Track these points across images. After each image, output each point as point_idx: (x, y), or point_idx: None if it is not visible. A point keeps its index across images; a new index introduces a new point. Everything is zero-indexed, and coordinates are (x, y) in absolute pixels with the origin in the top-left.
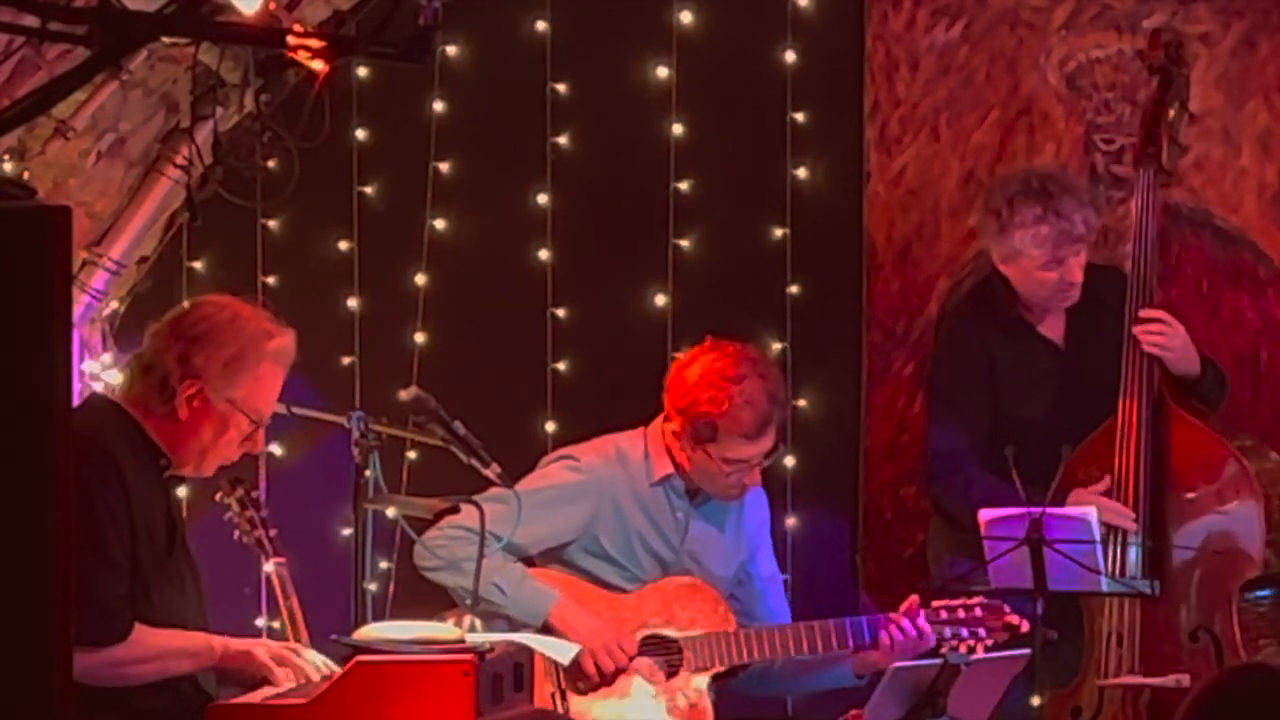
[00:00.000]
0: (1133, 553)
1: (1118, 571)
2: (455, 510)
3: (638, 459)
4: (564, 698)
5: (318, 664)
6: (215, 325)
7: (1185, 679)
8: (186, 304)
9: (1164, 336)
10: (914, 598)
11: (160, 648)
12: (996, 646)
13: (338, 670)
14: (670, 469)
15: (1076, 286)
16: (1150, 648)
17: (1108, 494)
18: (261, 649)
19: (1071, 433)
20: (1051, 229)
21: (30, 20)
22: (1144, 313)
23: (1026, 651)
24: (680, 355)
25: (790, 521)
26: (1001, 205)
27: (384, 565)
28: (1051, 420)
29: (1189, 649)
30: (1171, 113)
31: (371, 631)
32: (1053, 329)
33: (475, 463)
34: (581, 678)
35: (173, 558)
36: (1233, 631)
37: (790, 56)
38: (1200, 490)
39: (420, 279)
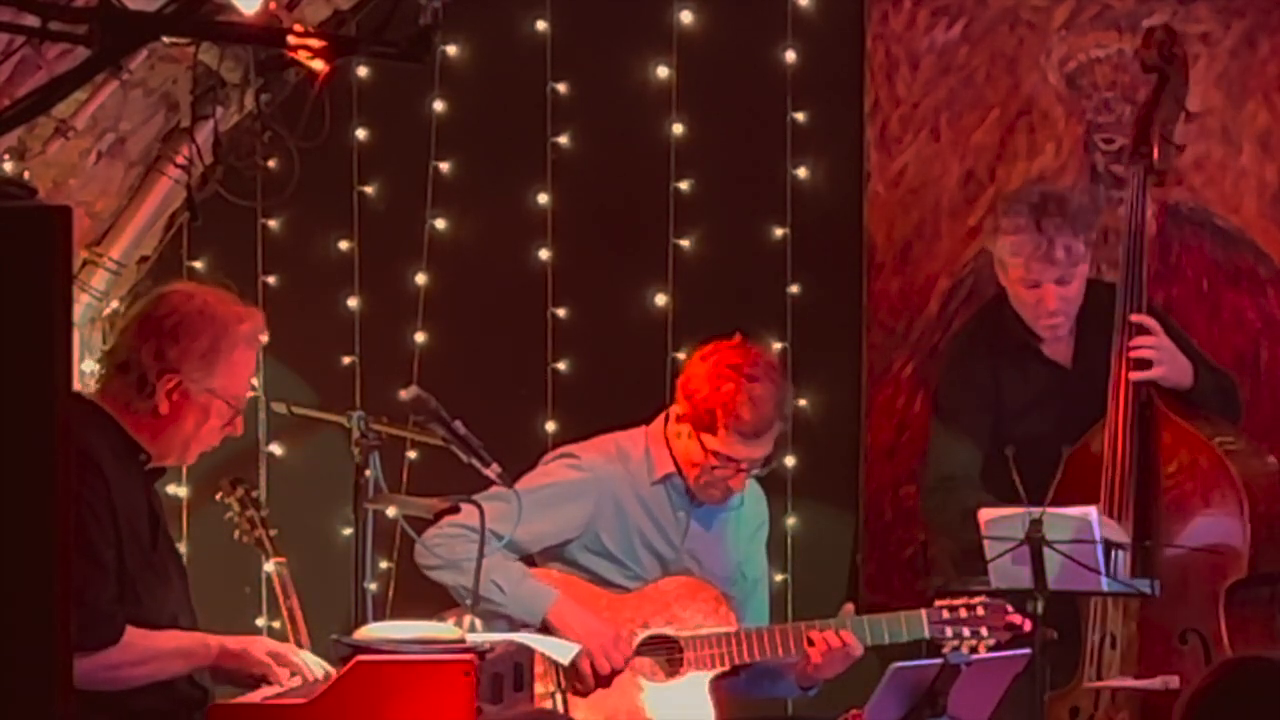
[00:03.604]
0: (1121, 555)
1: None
2: (455, 510)
3: (639, 457)
4: (564, 698)
5: (315, 663)
6: (187, 316)
7: (1174, 680)
8: (150, 296)
9: (1151, 353)
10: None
11: (155, 649)
12: (997, 646)
13: (335, 671)
14: (671, 468)
15: (1056, 316)
16: (1142, 650)
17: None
18: (258, 647)
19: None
20: (1028, 244)
21: (30, 20)
22: (1132, 317)
23: (1026, 651)
24: (704, 348)
25: (790, 521)
26: (1001, 209)
27: (384, 565)
28: (1054, 439)
29: (1178, 650)
30: (1166, 112)
31: (371, 631)
32: (1059, 351)
33: (475, 462)
34: (578, 679)
35: (156, 551)
36: (1220, 633)
37: (790, 56)
38: (1186, 491)
39: (420, 279)
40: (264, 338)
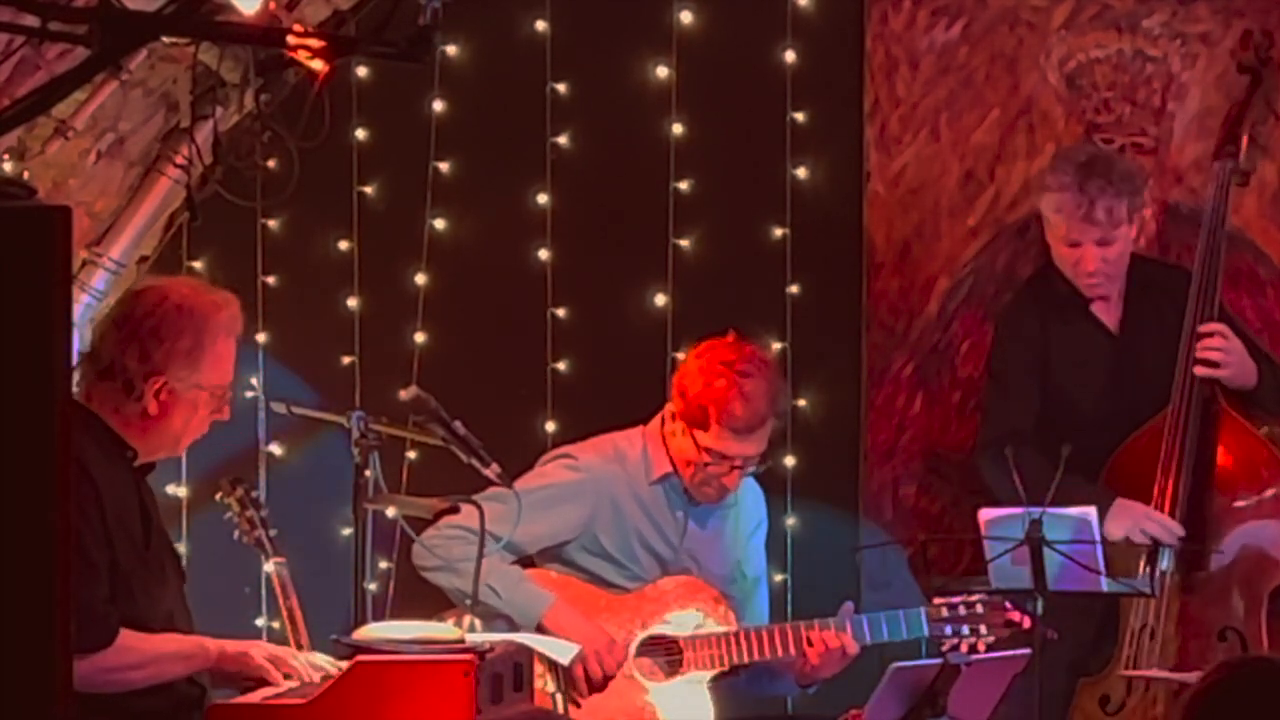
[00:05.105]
0: (1167, 552)
1: (1150, 570)
2: (455, 510)
3: (636, 457)
4: (564, 698)
5: (316, 665)
6: (166, 316)
7: None
8: (123, 297)
9: (1220, 355)
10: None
11: (153, 652)
12: (997, 646)
13: (337, 670)
14: (669, 468)
15: (1094, 277)
16: (1182, 643)
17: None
18: (258, 650)
19: (1122, 421)
20: (1070, 202)
21: (30, 20)
22: (1202, 328)
23: (1026, 651)
24: (698, 345)
25: (790, 521)
26: (1050, 166)
27: (384, 565)
28: (1102, 407)
29: (1217, 647)
30: (1256, 113)
31: (371, 631)
32: (1107, 314)
33: (475, 463)
34: (572, 683)
35: (150, 549)
36: (1260, 633)
37: (790, 56)
38: (1244, 494)
39: (420, 279)
40: (239, 326)
